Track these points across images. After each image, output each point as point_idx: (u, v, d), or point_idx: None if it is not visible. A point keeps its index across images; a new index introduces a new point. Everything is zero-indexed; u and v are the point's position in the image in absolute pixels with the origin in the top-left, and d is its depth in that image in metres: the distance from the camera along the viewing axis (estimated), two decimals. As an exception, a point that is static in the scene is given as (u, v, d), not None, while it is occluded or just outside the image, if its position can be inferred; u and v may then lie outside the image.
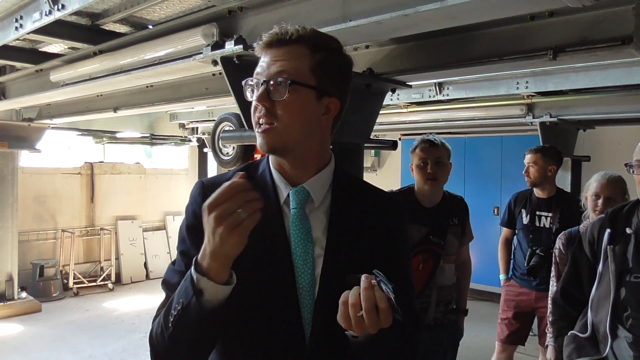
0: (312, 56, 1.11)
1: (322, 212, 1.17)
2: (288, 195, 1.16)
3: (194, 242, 1.12)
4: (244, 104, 2.49)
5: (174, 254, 1.20)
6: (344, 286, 1.04)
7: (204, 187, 1.18)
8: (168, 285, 1.13)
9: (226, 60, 2.51)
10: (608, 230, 1.82)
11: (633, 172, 1.76)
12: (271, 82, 1.08)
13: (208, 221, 0.94)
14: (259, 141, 1.12)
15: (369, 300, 0.92)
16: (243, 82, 1.15)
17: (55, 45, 4.12)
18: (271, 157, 1.20)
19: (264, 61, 1.12)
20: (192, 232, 1.14)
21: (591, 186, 2.69)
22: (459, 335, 2.86)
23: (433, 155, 2.65)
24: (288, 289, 1.10)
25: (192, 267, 0.99)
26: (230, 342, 1.12)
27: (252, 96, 1.12)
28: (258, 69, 1.12)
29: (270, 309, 1.09)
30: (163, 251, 8.67)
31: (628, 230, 1.79)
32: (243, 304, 1.06)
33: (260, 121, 1.09)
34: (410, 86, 3.20)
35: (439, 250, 2.64)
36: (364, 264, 1.11)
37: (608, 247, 1.80)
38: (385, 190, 1.37)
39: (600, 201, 2.61)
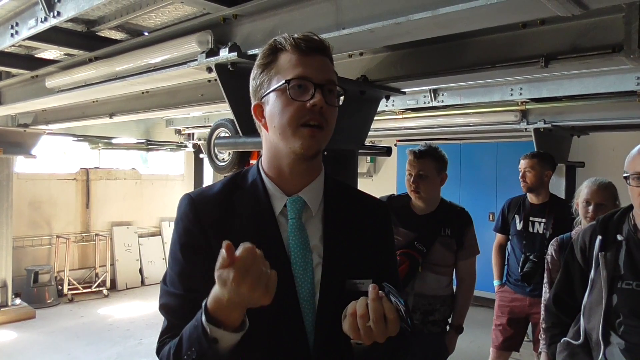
0: (334, 69, 1.16)
1: (318, 220, 1.18)
2: (284, 205, 1.16)
3: (190, 261, 1.12)
4: (239, 111, 2.50)
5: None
6: (344, 292, 1.08)
7: (194, 202, 1.16)
8: (167, 309, 1.12)
9: (220, 68, 2.52)
10: (599, 237, 1.83)
11: (629, 183, 1.77)
12: (328, 88, 1.11)
13: (226, 274, 0.89)
14: (308, 143, 1.09)
15: (377, 311, 0.94)
16: (287, 80, 1.09)
17: (50, 52, 4.12)
18: (268, 165, 1.19)
19: (309, 65, 1.10)
20: (186, 250, 1.13)
21: (582, 192, 2.70)
22: (443, 351, 2.75)
23: (416, 168, 2.64)
24: (290, 299, 1.10)
25: (203, 317, 0.94)
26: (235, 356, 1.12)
27: (297, 95, 1.09)
28: (304, 71, 1.10)
29: (273, 321, 1.09)
30: (158, 257, 8.65)
31: (619, 237, 1.80)
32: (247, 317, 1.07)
33: (316, 123, 1.09)
34: (404, 93, 3.22)
35: (418, 256, 2.61)
36: (361, 269, 1.14)
37: (599, 253, 1.81)
38: (384, 194, 1.39)
39: (591, 207, 2.62)
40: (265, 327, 1.08)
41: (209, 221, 1.13)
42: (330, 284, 1.12)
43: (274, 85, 1.12)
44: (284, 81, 1.10)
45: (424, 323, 2.66)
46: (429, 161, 2.65)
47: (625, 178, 1.78)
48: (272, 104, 1.12)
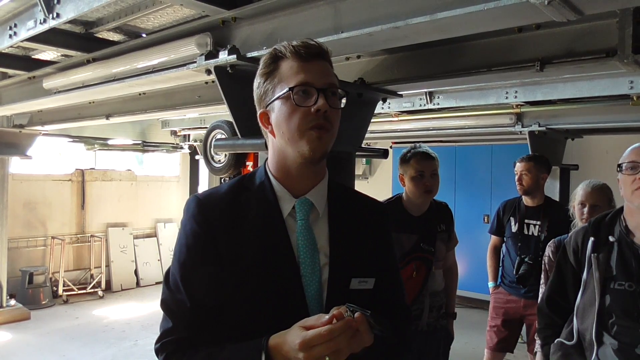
0: (334, 73, 1.19)
1: (324, 221, 1.21)
2: (293, 207, 1.18)
3: (194, 264, 1.13)
4: (237, 113, 2.51)
5: (165, 261, 1.20)
6: (350, 290, 1.14)
7: (202, 204, 1.17)
8: (168, 310, 1.14)
9: (220, 70, 2.53)
10: (591, 239, 1.86)
11: (622, 171, 1.80)
12: (330, 92, 1.13)
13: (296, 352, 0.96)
14: (316, 145, 1.12)
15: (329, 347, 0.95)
16: (290, 87, 1.12)
17: (48, 53, 4.12)
18: (275, 168, 1.21)
19: (310, 71, 1.13)
20: (191, 254, 1.14)
21: (577, 195, 2.74)
22: (450, 340, 2.91)
23: (430, 167, 2.68)
24: (298, 300, 1.13)
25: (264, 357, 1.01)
26: None
27: (302, 101, 1.12)
28: (306, 77, 1.12)
29: (280, 320, 1.08)
30: (154, 258, 8.59)
31: (611, 238, 1.82)
32: (254, 319, 1.10)
33: (323, 126, 1.12)
34: (401, 95, 3.24)
35: (430, 257, 2.69)
36: (365, 268, 1.19)
37: (592, 255, 1.83)
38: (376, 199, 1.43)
39: (586, 209, 2.66)
40: (273, 327, 1.09)
41: (218, 223, 1.14)
42: (338, 283, 1.16)
43: (278, 93, 1.14)
44: (287, 89, 1.12)
45: (437, 318, 2.77)
46: (437, 162, 2.74)
47: (619, 166, 1.80)
48: (277, 112, 1.15)
